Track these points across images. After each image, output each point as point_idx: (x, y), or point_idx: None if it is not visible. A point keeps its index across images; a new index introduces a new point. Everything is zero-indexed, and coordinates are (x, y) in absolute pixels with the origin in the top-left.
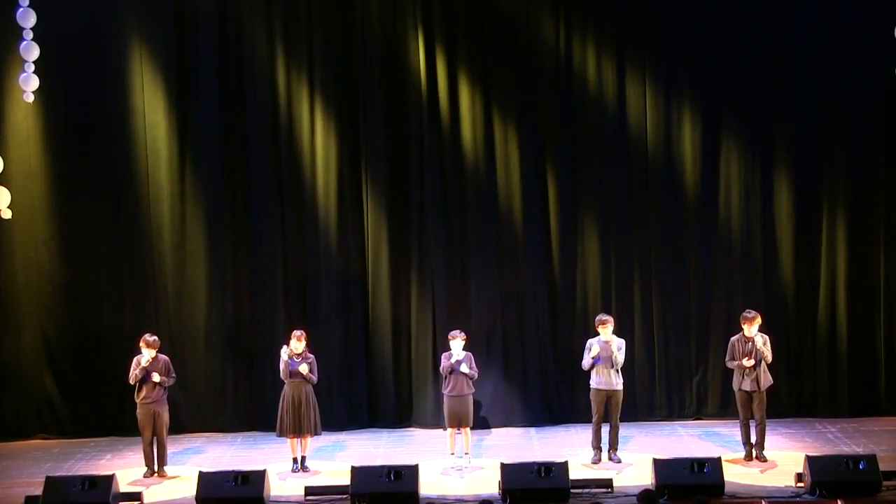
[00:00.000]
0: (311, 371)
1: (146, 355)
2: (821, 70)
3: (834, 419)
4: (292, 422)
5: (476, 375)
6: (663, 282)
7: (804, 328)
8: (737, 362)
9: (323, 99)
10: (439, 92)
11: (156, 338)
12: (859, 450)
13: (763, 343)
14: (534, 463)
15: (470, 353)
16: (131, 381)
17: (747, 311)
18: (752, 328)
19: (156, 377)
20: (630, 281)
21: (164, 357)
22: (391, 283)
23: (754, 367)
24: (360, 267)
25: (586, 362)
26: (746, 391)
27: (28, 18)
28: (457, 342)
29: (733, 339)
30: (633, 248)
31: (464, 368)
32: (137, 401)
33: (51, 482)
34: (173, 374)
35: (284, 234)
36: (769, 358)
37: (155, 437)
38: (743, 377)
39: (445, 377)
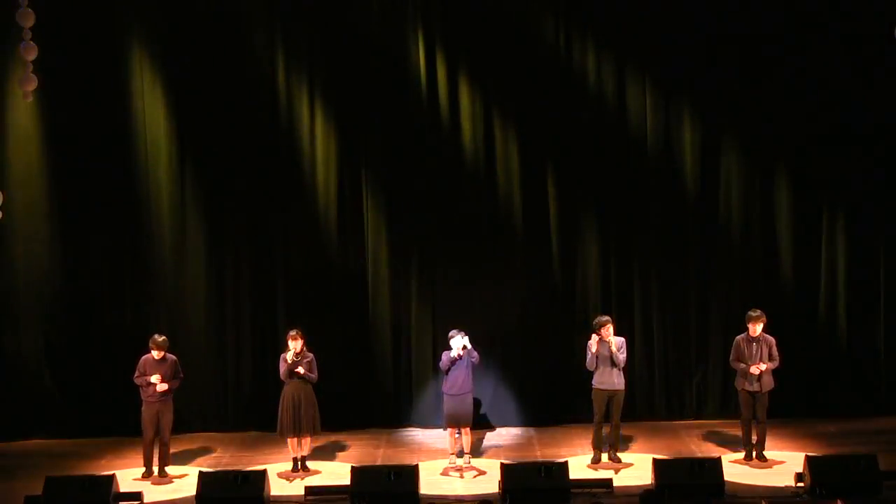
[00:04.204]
0: (310, 370)
1: (155, 379)
2: (820, 70)
3: (834, 419)
4: (292, 421)
5: (477, 359)
6: (663, 282)
7: (804, 328)
8: (743, 366)
9: (323, 99)
10: (439, 92)
11: (164, 338)
12: (859, 450)
13: (770, 348)
14: (534, 463)
15: (465, 336)
16: (136, 382)
17: (752, 310)
18: (757, 327)
19: (161, 387)
20: (630, 281)
21: (172, 357)
22: (391, 283)
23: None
24: (360, 267)
25: (590, 363)
26: (749, 391)
27: (28, 18)
28: (456, 340)
29: (738, 338)
30: (633, 248)
31: (460, 350)
32: (143, 398)
33: (51, 482)
34: (180, 375)
35: (284, 233)
36: (776, 363)
37: (158, 438)
38: (747, 377)
39: (446, 373)
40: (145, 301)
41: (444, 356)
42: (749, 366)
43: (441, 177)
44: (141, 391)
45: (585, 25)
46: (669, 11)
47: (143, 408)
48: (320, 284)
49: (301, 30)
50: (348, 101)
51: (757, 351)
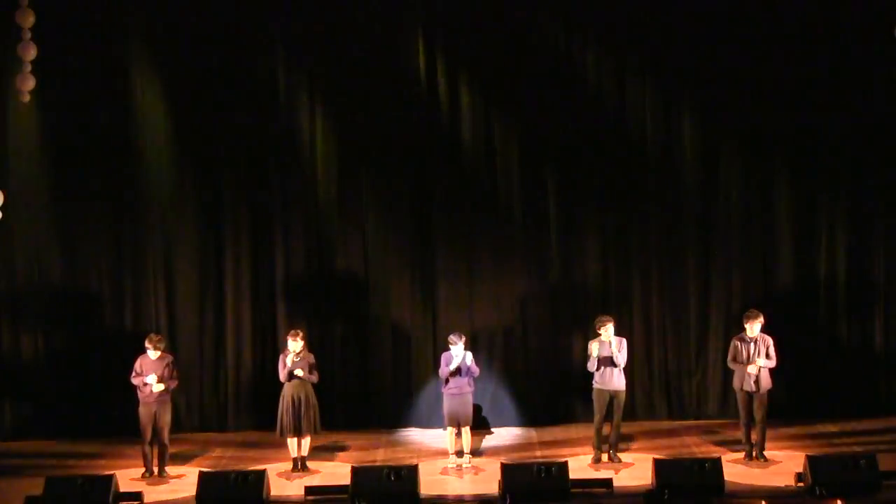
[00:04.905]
0: (310, 371)
1: (151, 379)
2: (821, 69)
3: (834, 419)
4: (292, 421)
5: (477, 372)
6: (663, 281)
7: (804, 328)
8: (741, 365)
9: (323, 99)
10: (439, 91)
11: (161, 336)
12: (859, 450)
13: (768, 348)
14: (534, 463)
15: (469, 352)
16: (132, 382)
17: (749, 310)
18: (754, 327)
19: (157, 388)
20: (630, 280)
21: (169, 356)
22: (391, 283)
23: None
24: (360, 267)
25: (591, 365)
26: (747, 391)
27: (28, 18)
28: (457, 347)
29: (735, 338)
30: (632, 248)
31: (462, 362)
32: (140, 398)
33: (51, 482)
34: (176, 376)
35: (284, 233)
36: (773, 363)
37: (156, 438)
38: (744, 377)
39: (445, 383)
40: (145, 301)
41: (444, 364)
42: (746, 365)
43: (441, 176)
44: (137, 391)
45: (585, 25)
46: (670, 12)
47: (139, 408)
48: (320, 284)
49: (301, 30)
50: (348, 101)
51: (754, 351)
